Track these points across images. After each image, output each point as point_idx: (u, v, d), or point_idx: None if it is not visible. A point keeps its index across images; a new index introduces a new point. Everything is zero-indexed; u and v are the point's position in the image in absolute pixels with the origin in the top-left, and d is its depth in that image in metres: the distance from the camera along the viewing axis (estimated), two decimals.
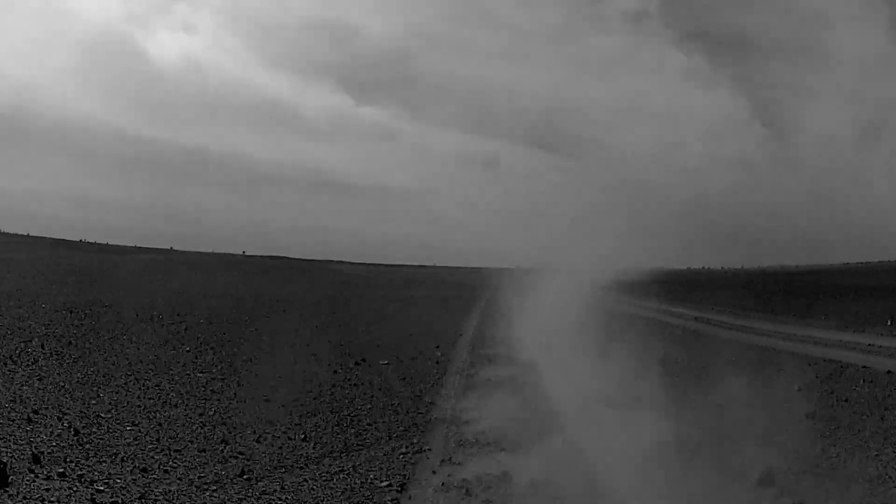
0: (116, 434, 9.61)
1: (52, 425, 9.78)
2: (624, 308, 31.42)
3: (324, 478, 8.01)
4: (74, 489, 7.70)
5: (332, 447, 9.26)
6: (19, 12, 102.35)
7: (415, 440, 9.76)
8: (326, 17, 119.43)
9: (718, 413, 11.47)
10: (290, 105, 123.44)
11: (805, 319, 26.01)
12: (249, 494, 7.54)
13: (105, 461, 8.58)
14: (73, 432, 9.55)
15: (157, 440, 9.38)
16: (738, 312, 29.42)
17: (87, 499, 7.41)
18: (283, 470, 8.29)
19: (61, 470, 8.13)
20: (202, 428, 9.91)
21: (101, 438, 9.42)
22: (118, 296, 26.25)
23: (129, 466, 8.42)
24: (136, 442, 9.30)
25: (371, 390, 12.87)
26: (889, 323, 23.55)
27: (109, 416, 10.46)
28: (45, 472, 8.05)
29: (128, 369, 13.62)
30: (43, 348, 14.91)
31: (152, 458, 8.71)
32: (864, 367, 15.63)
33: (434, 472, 8.32)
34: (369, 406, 11.68)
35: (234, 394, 11.97)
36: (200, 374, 13.46)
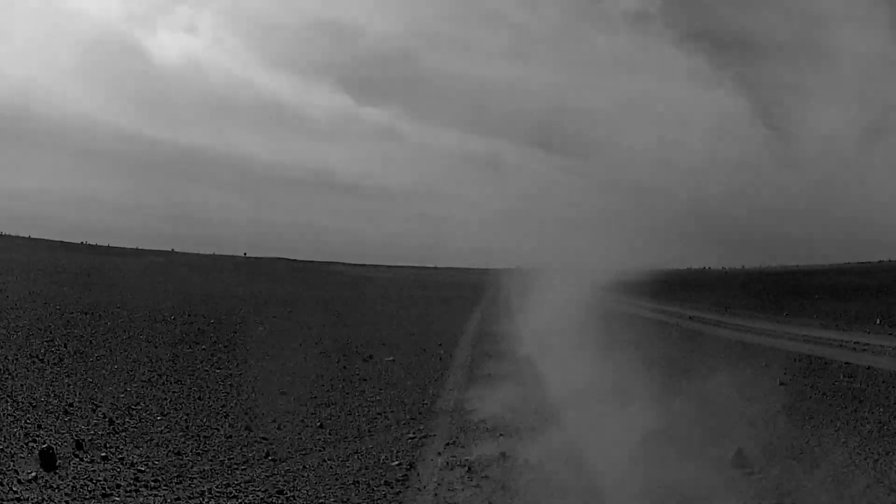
0: (149, 423, 10.73)
1: (87, 416, 10.88)
2: (623, 308, 32.47)
3: (341, 458, 9.14)
4: (118, 470, 8.79)
5: (347, 433, 10.41)
6: (19, 12, 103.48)
7: (421, 427, 10.91)
8: (327, 17, 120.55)
9: (702, 405, 12.53)
10: (290, 105, 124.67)
11: (797, 318, 27.15)
12: (275, 472, 8.65)
13: (141, 446, 9.68)
14: (108, 422, 10.65)
15: (187, 428, 10.50)
16: (733, 311, 30.54)
17: (131, 478, 8.51)
18: (304, 452, 9.42)
19: (104, 454, 9.23)
20: (226, 418, 11.04)
21: (135, 427, 10.53)
22: (126, 298, 27.35)
23: (163, 451, 9.52)
24: (168, 430, 10.41)
25: (379, 384, 14.04)
26: (878, 322, 24.65)
27: (139, 407, 11.58)
28: (89, 457, 9.13)
29: (149, 366, 14.73)
30: (66, 347, 16.00)
31: (184, 443, 9.82)
32: (846, 363, 16.71)
33: (439, 454, 9.45)
34: (378, 398, 12.83)
35: (252, 388, 13.09)
36: (218, 371, 14.59)
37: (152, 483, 8.35)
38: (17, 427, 10.04)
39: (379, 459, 9.14)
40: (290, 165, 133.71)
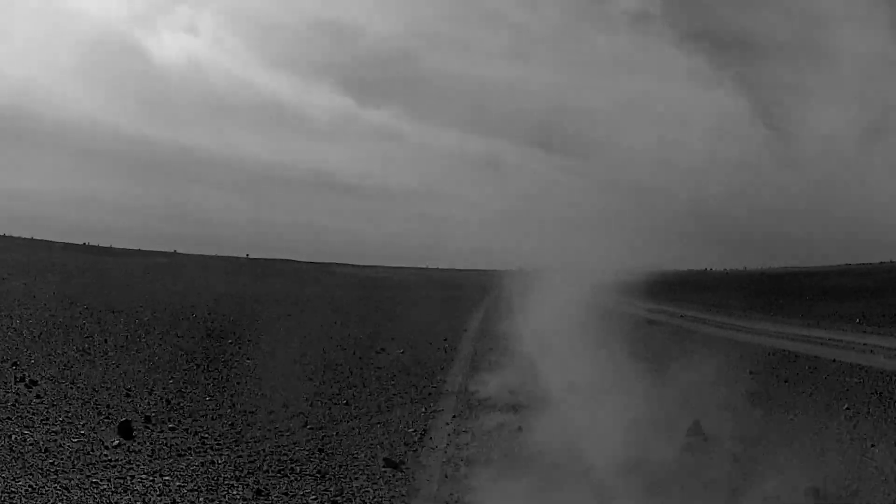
0: (200, 403, 13.04)
1: (146, 398, 13.14)
2: (621, 308, 34.61)
3: (366, 427, 11.51)
4: (185, 438, 11.05)
5: (369, 409, 12.81)
6: (19, 12, 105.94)
7: (431, 404, 13.29)
8: (327, 17, 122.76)
9: (679, 393, 14.75)
10: (291, 105, 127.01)
11: (784, 317, 29.50)
12: (314, 437, 10.96)
13: (199, 420, 11.97)
14: (165, 402, 12.95)
15: (233, 406, 12.81)
16: (727, 312, 32.88)
17: (198, 442, 10.77)
18: (336, 422, 11.78)
19: (171, 426, 11.53)
20: (265, 398, 13.36)
21: (189, 406, 12.83)
22: (145, 298, 29.73)
23: (218, 423, 11.80)
24: (218, 408, 12.72)
25: (392, 371, 16.48)
26: (858, 321, 26.93)
27: (188, 391, 13.88)
28: (158, 428, 11.41)
29: (186, 358, 17.04)
30: (106, 342, 18.31)
31: (234, 417, 12.12)
32: (815, 356, 18.99)
33: (447, 424, 11.79)
34: (393, 382, 15.22)
35: (281, 374, 15.44)
36: (248, 361, 16.93)
37: (216, 446, 10.63)
38: (88, 407, 12.32)
39: (398, 428, 11.50)
40: (290, 165, 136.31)
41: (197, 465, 9.61)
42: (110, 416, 11.71)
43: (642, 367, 16.84)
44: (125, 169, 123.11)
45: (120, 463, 9.65)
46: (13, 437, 9.96)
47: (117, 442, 10.50)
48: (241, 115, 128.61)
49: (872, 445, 10.96)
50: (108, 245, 73.57)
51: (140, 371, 15.27)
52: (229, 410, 12.53)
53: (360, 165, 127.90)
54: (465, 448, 10.28)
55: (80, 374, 14.42)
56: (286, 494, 8.59)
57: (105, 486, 8.55)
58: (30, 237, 69.90)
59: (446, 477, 9.12)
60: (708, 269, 67.74)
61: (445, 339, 22.45)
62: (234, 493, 8.61)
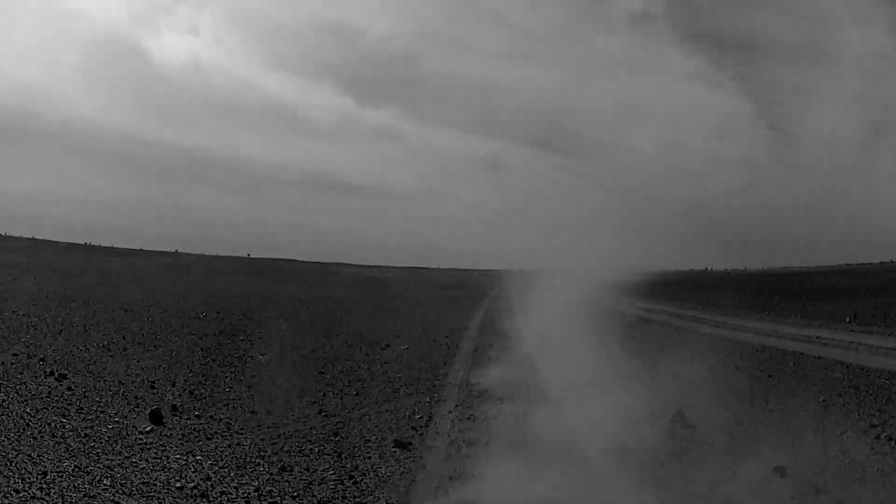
0: (221, 393, 14.29)
1: (170, 389, 14.39)
2: (620, 307, 35.83)
3: (376, 413, 12.79)
4: (211, 423, 12.29)
5: (377, 398, 14.10)
6: (20, 12, 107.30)
7: (435, 394, 14.57)
8: (328, 18, 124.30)
9: (668, 387, 15.95)
10: (292, 106, 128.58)
11: (779, 317, 30.77)
12: (328, 423, 12.22)
13: (222, 409, 13.21)
14: (188, 393, 14.20)
15: (252, 396, 14.07)
16: (723, 311, 34.11)
17: (223, 427, 11.97)
18: (348, 410, 13.05)
19: (196, 414, 12.78)
20: (281, 388, 14.62)
21: (211, 396, 14.08)
22: (154, 297, 31.00)
23: (240, 411, 13.05)
24: (237, 398, 13.97)
25: (398, 365, 17.76)
26: (848, 320, 28.20)
27: (208, 383, 15.14)
28: (186, 416, 12.66)
29: (202, 354, 18.29)
30: (124, 339, 19.57)
31: (253, 405, 13.37)
32: (800, 353, 20.24)
33: (450, 411, 13.04)
34: (399, 375, 16.49)
35: (293, 368, 16.72)
36: (261, 356, 18.20)
37: (239, 430, 11.88)
38: (118, 397, 13.56)
39: (405, 414, 12.77)
40: (291, 166, 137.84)
41: (224, 447, 10.85)
42: (139, 406, 12.93)
43: (637, 363, 18.05)
44: (125, 169, 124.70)
45: (155, 445, 10.87)
46: (53, 424, 11.19)
47: (149, 428, 11.73)
48: (242, 116, 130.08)
49: (842, 433, 12.21)
50: (109, 245, 74.92)
51: (161, 366, 16.50)
52: (248, 399, 13.78)
53: (360, 165, 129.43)
54: (467, 432, 11.52)
55: (104, 369, 15.64)
56: (307, 470, 9.84)
57: (144, 465, 9.78)
58: (31, 237, 71.19)
59: (450, 455, 10.38)
60: (708, 268, 68.93)
61: (447, 336, 23.74)
62: (261, 469, 9.87)
